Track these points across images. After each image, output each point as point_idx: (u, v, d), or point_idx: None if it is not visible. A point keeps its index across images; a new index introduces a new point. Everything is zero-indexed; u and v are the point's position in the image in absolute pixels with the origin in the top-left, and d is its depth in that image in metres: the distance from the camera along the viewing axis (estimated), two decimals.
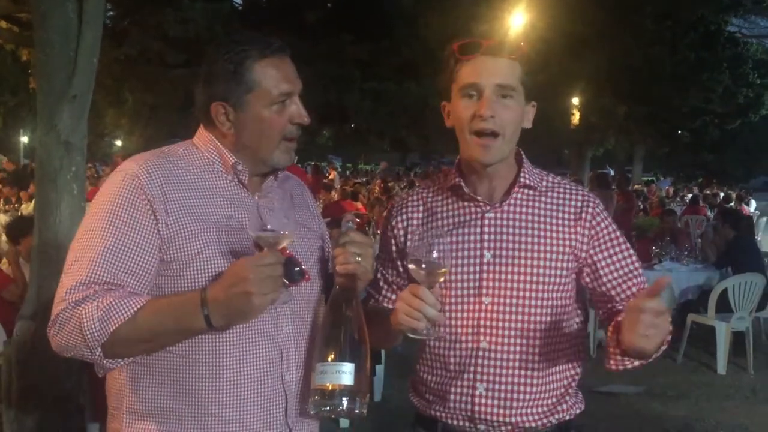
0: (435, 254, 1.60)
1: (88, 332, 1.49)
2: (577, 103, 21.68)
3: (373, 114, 20.06)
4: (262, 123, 1.67)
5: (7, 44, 9.04)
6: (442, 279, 1.64)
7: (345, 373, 1.56)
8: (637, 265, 1.83)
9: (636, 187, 21.51)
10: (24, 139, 28.82)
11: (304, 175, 11.71)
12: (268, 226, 1.51)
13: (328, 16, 18.22)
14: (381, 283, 1.96)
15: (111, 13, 13.75)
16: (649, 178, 29.80)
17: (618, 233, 1.83)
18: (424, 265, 1.59)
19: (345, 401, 1.56)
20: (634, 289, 1.80)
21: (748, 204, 19.20)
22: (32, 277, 4.12)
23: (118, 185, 1.62)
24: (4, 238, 6.22)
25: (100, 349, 1.51)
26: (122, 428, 1.65)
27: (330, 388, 1.56)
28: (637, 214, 12.99)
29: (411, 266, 1.61)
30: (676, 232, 9.30)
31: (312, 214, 1.92)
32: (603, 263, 1.80)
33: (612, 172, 21.95)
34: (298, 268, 1.67)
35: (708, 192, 23.57)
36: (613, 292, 1.81)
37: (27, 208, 9.95)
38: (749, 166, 35.13)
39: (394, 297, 1.93)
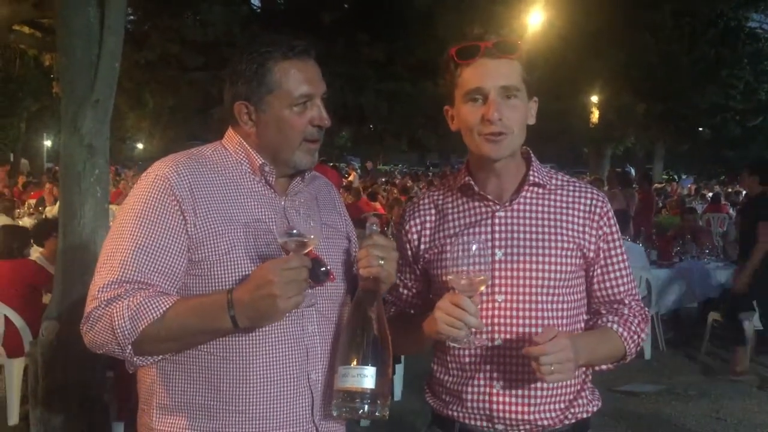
0: (476, 264, 1.62)
1: (119, 330, 1.53)
2: (596, 101, 21.54)
3: (389, 114, 20.08)
4: (283, 124, 1.70)
5: (29, 49, 9.17)
6: (482, 288, 1.65)
7: (366, 377, 1.57)
8: (627, 271, 1.86)
9: (656, 185, 21.32)
10: (47, 143, 29.20)
11: (336, 176, 11.59)
12: (294, 231, 1.53)
13: (345, 17, 18.28)
14: (401, 289, 1.97)
15: (131, 17, 13.91)
16: (666, 177, 29.44)
17: (619, 236, 1.86)
18: (464, 275, 1.61)
19: (366, 404, 1.57)
20: (618, 295, 1.85)
21: None
22: (57, 278, 4.19)
23: (148, 187, 1.66)
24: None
25: (130, 347, 1.55)
26: (152, 423, 1.69)
27: (352, 391, 1.58)
28: (657, 213, 12.89)
29: (451, 278, 1.63)
30: (697, 230, 9.23)
31: (339, 215, 1.93)
32: (601, 262, 1.83)
33: (632, 171, 21.78)
34: (324, 269, 1.69)
35: (730, 190, 23.29)
36: (597, 292, 1.86)
37: (51, 210, 10.09)
38: None
39: (416, 301, 1.95)
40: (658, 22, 18.43)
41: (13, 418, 4.95)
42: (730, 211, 15.60)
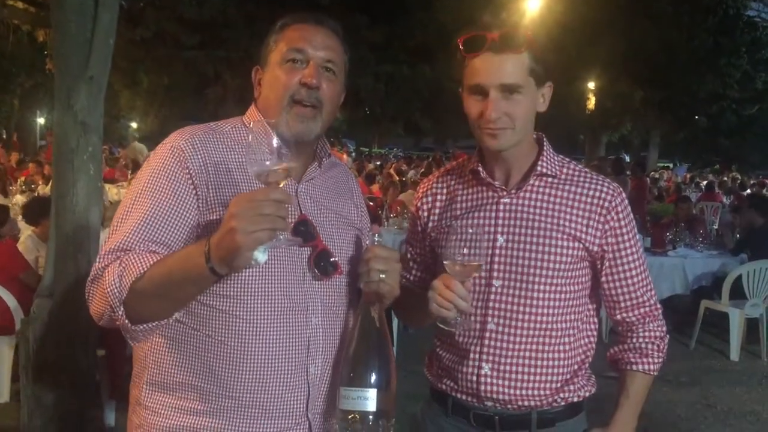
0: (470, 252, 1.62)
1: (109, 290, 1.48)
2: (593, 88, 21.50)
3: (386, 98, 20.00)
4: (273, 80, 1.68)
5: (23, 24, 9.05)
6: (476, 274, 1.67)
7: (369, 399, 1.57)
8: (639, 270, 1.83)
9: (653, 173, 21.32)
10: (41, 120, 29.01)
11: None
12: (267, 163, 1.41)
13: None
14: (411, 263, 2.02)
15: None
16: (665, 164, 29.44)
17: (630, 230, 1.83)
18: (459, 261, 1.62)
19: (368, 425, 1.57)
20: (628, 298, 1.85)
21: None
22: (49, 255, 4.16)
23: (162, 157, 1.62)
24: (21, 217, 6.28)
25: (122, 309, 1.49)
26: (141, 397, 1.67)
27: (353, 412, 1.57)
28: (650, 201, 12.91)
29: (446, 262, 1.64)
30: (692, 218, 9.24)
31: (355, 206, 1.88)
32: (608, 257, 1.82)
33: (627, 158, 21.75)
34: (332, 260, 1.66)
35: (725, 178, 23.34)
36: (608, 291, 1.86)
37: (44, 188, 10.02)
38: (767, 152, 34.63)
39: (424, 276, 1.98)
40: (657, 9, 18.35)
41: (4, 396, 4.96)
42: (724, 199, 15.65)
